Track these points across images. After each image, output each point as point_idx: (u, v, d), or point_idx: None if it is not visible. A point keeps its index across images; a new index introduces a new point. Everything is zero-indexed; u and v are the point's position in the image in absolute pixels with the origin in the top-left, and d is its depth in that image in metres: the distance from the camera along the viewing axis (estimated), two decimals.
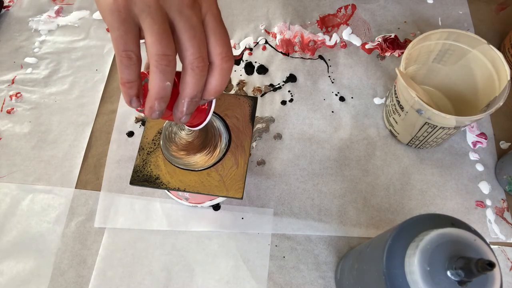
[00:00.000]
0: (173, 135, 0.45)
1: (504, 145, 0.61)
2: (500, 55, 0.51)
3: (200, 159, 0.45)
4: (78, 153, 0.60)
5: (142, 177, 0.44)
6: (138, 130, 0.62)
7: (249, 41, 0.69)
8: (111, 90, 0.65)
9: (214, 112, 0.48)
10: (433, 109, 0.47)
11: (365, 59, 0.67)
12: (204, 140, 0.45)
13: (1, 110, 0.64)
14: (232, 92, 0.65)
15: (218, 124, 0.47)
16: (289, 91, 0.64)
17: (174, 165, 0.45)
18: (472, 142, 0.60)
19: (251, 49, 0.68)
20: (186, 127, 0.44)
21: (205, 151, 0.45)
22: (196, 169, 0.45)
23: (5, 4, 0.74)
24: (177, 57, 0.31)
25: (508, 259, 0.53)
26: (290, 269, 0.52)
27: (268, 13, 0.72)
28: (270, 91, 0.65)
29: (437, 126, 0.51)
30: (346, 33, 0.70)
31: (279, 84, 0.65)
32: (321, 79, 0.66)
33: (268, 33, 0.70)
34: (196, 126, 0.40)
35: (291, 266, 0.53)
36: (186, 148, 0.45)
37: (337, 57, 0.68)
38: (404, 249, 0.30)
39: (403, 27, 0.70)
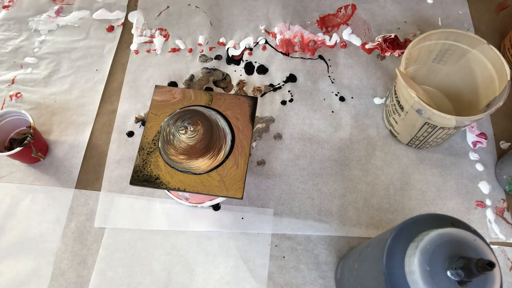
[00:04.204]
0: (171, 137, 0.44)
1: (504, 145, 0.61)
2: (500, 55, 0.51)
3: (202, 163, 0.44)
4: (78, 153, 0.60)
5: (142, 177, 0.44)
6: (138, 130, 0.62)
7: (249, 41, 0.69)
8: (111, 90, 0.65)
9: (216, 111, 0.48)
10: (433, 109, 0.47)
11: (365, 59, 0.67)
12: (208, 144, 0.44)
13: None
14: (232, 92, 0.65)
15: (222, 124, 0.46)
16: (289, 91, 0.64)
17: (173, 168, 0.44)
18: (472, 142, 0.60)
19: (251, 49, 0.68)
20: (187, 130, 0.43)
21: (209, 155, 0.44)
22: (197, 173, 0.44)
23: (5, 4, 0.74)
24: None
25: (508, 259, 0.53)
26: (290, 269, 0.52)
27: (268, 13, 0.72)
28: (270, 91, 0.65)
29: (437, 126, 0.51)
30: (346, 33, 0.70)
31: (279, 84, 0.65)
32: (321, 79, 0.66)
33: (268, 33, 0.70)
34: None
35: (291, 266, 0.53)
36: (186, 152, 0.44)
37: (337, 57, 0.68)
38: (404, 249, 0.30)
39: (403, 27, 0.70)
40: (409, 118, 0.53)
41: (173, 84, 0.66)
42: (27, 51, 0.69)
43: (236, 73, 0.66)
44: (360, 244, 0.49)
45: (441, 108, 0.61)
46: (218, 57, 0.68)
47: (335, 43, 0.69)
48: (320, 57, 0.68)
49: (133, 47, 0.69)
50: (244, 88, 0.65)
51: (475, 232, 0.31)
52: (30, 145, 0.55)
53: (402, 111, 0.54)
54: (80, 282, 0.52)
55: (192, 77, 0.66)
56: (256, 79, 0.66)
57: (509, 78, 0.50)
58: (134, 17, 0.72)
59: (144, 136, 0.47)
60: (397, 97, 0.54)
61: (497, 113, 0.62)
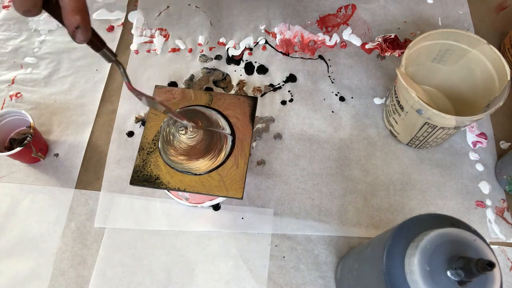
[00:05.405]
0: (171, 137, 0.44)
1: (504, 145, 0.61)
2: (500, 55, 0.51)
3: (202, 164, 0.44)
4: (78, 153, 0.60)
5: (142, 177, 0.44)
6: (138, 130, 0.62)
7: (249, 41, 0.69)
8: (111, 90, 0.65)
9: (217, 111, 0.48)
10: (433, 109, 0.47)
11: (365, 59, 0.67)
12: (209, 144, 0.44)
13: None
14: (232, 92, 0.65)
15: (223, 124, 0.46)
16: (289, 91, 0.64)
17: (173, 169, 0.44)
18: (472, 142, 0.60)
19: (251, 49, 0.68)
20: (187, 130, 0.43)
21: (209, 156, 0.44)
22: (197, 174, 0.44)
23: (5, 4, 0.74)
24: None
25: (508, 259, 0.53)
26: (290, 269, 0.52)
27: (268, 13, 0.72)
28: (270, 91, 0.65)
29: (437, 126, 0.51)
30: (346, 33, 0.70)
31: (279, 84, 0.65)
32: (321, 79, 0.65)
33: (268, 33, 0.70)
34: None
35: (291, 266, 0.53)
36: (187, 153, 0.44)
37: (337, 57, 0.68)
38: (404, 249, 0.30)
39: (403, 27, 0.70)
40: (409, 118, 0.53)
41: (173, 84, 0.66)
42: (27, 51, 0.69)
43: (236, 73, 0.66)
44: (360, 244, 0.49)
45: (441, 108, 0.61)
46: (218, 57, 0.68)
47: (335, 43, 0.69)
48: (320, 57, 0.68)
49: (133, 47, 0.69)
50: (244, 88, 0.65)
51: (475, 232, 0.31)
52: (30, 145, 0.54)
53: (402, 111, 0.54)
54: (80, 282, 0.52)
55: (192, 77, 0.66)
56: (256, 79, 0.66)
57: (509, 78, 0.50)
58: (134, 17, 0.72)
59: (144, 136, 0.47)
60: (397, 97, 0.54)
61: (497, 113, 0.62)
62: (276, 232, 0.54)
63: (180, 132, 0.44)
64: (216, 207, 0.56)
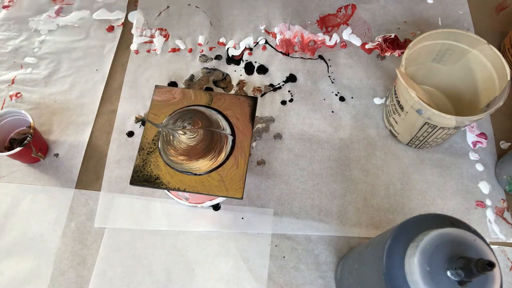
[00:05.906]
0: (171, 137, 0.44)
1: (504, 145, 0.61)
2: (500, 55, 0.51)
3: (202, 164, 0.44)
4: (78, 153, 0.60)
5: (142, 177, 0.44)
6: (138, 130, 0.62)
7: (249, 41, 0.69)
8: (111, 90, 0.65)
9: (217, 111, 0.48)
10: (433, 109, 0.47)
11: (365, 59, 0.67)
12: (209, 144, 0.44)
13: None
14: (232, 92, 0.65)
15: (224, 124, 0.46)
16: (289, 91, 0.64)
17: (173, 169, 0.44)
18: (472, 142, 0.60)
19: (251, 49, 0.68)
20: (187, 131, 0.43)
21: (210, 156, 0.44)
22: (197, 174, 0.44)
23: (5, 4, 0.74)
24: None
25: (508, 259, 0.53)
26: (290, 269, 0.52)
27: (268, 13, 0.72)
28: (270, 91, 0.65)
29: (437, 126, 0.51)
30: (346, 33, 0.70)
31: (279, 84, 0.65)
32: (321, 79, 0.66)
33: (268, 33, 0.70)
34: None
35: (291, 266, 0.53)
36: (187, 153, 0.44)
37: (337, 57, 0.68)
38: (404, 249, 0.30)
39: (403, 27, 0.70)
40: (409, 118, 0.53)
41: (173, 84, 0.66)
42: (27, 51, 0.69)
43: (236, 73, 0.66)
44: (360, 244, 0.49)
45: (441, 108, 0.61)
46: (218, 57, 0.68)
47: (335, 43, 0.69)
48: (320, 57, 0.68)
49: (133, 47, 0.69)
50: (244, 88, 0.65)
51: (475, 232, 0.31)
52: (30, 145, 0.54)
53: (402, 111, 0.54)
54: (80, 282, 0.52)
55: (192, 77, 0.66)
56: (256, 79, 0.66)
57: (509, 78, 0.50)
58: (134, 17, 0.72)
59: (144, 136, 0.47)
60: (397, 97, 0.54)
61: (497, 113, 0.62)
62: (276, 232, 0.54)
63: (179, 133, 0.44)
64: (216, 207, 0.56)
